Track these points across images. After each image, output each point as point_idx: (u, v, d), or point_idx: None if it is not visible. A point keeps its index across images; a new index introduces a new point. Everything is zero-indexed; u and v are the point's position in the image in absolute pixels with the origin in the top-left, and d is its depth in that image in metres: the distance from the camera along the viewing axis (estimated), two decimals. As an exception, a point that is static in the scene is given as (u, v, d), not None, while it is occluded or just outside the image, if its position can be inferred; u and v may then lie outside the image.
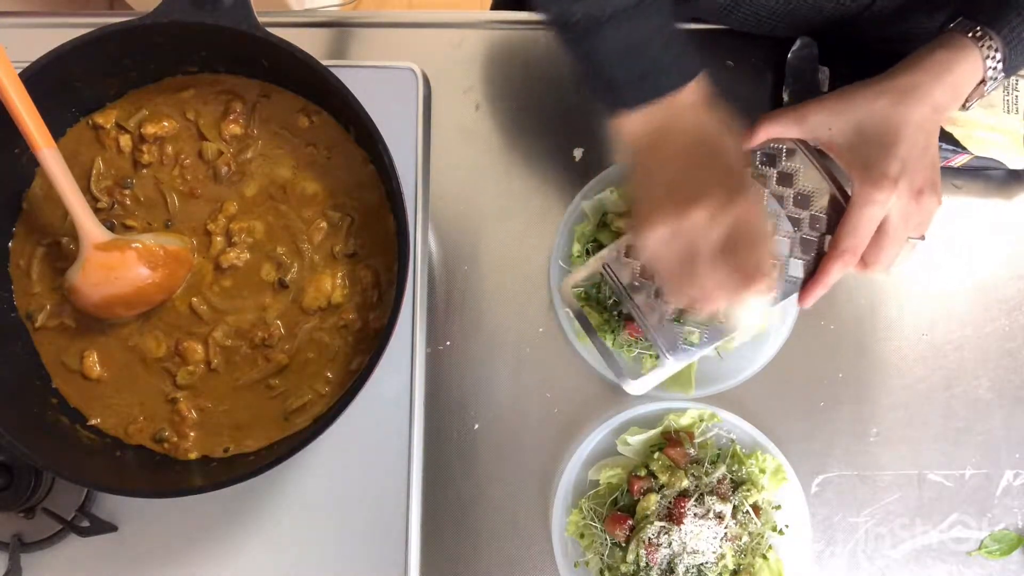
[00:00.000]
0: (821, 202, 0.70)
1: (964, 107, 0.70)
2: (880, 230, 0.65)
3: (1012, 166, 0.83)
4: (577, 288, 0.80)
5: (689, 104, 0.61)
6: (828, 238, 0.69)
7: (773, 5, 0.78)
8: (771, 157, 0.71)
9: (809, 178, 0.70)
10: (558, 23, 0.62)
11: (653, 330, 0.71)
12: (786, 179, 0.71)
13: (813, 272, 0.69)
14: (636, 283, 0.71)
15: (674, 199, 0.60)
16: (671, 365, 0.72)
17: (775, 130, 0.69)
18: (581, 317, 0.75)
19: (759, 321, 0.70)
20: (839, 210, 0.68)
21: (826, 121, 0.67)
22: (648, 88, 0.61)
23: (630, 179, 0.64)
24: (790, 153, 0.71)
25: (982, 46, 0.65)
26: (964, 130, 0.80)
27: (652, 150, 0.62)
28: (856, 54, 0.77)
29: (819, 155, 0.71)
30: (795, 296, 0.70)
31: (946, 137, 0.80)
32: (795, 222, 0.70)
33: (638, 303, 0.71)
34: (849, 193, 0.66)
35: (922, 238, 0.67)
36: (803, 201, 0.70)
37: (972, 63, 0.65)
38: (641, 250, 0.64)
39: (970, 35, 0.65)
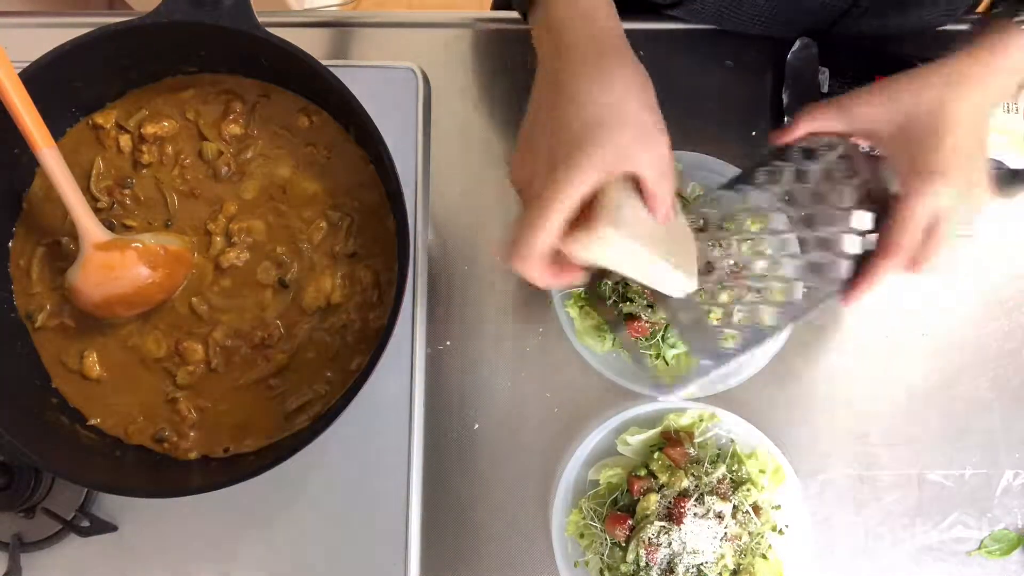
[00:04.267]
0: (865, 198, 0.65)
1: (1016, 96, 0.67)
2: (930, 227, 0.61)
3: (1013, 165, 0.83)
4: (576, 289, 0.80)
5: (565, 19, 0.56)
6: (872, 237, 0.64)
7: (765, 7, 0.78)
8: (811, 152, 0.67)
9: (852, 174, 0.66)
10: None
11: (686, 332, 0.67)
12: (827, 175, 0.67)
13: (858, 272, 0.64)
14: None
15: (524, 142, 0.57)
16: (706, 368, 0.68)
17: (816, 124, 0.65)
18: (615, 322, 0.74)
19: (677, 293, 0.67)
20: (884, 207, 0.64)
21: (872, 113, 0.63)
22: None
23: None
24: (832, 147, 0.67)
25: None
26: (965, 131, 0.80)
27: (541, 67, 0.58)
28: (856, 54, 0.77)
29: (863, 150, 0.67)
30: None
31: (947, 137, 0.80)
32: (837, 219, 0.66)
33: (670, 302, 0.68)
34: (895, 190, 0.62)
35: (971, 235, 0.64)
36: (845, 198, 0.66)
37: (1021, 49, 0.62)
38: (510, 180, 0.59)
39: (1016, 20, 0.62)
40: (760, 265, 0.68)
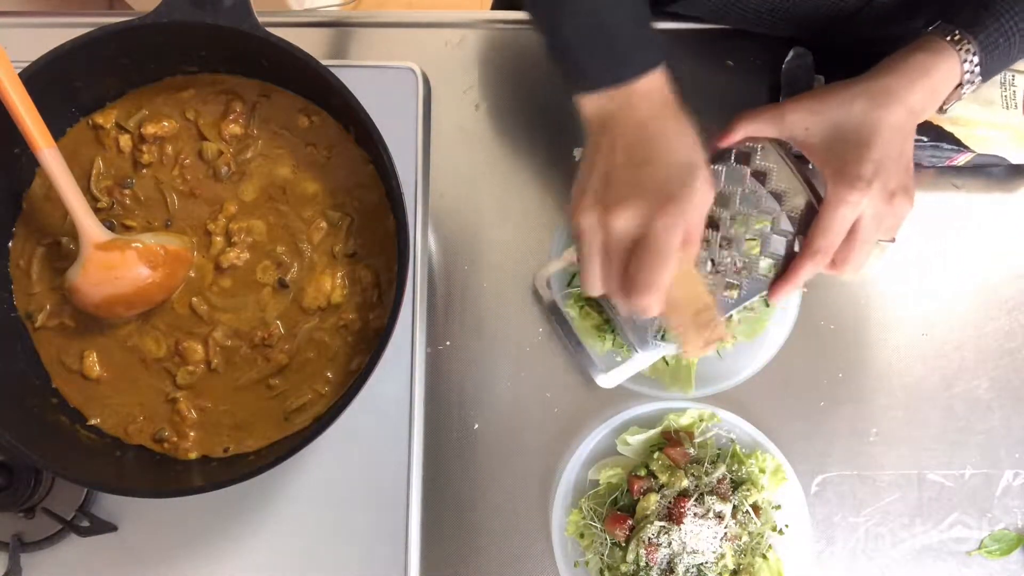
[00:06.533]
0: (794, 202, 0.71)
1: (942, 110, 0.71)
2: (852, 231, 0.65)
3: (1014, 160, 0.83)
4: (576, 289, 0.80)
5: (644, 95, 0.60)
6: (800, 238, 0.69)
7: (772, 2, 0.78)
8: (746, 155, 0.72)
9: (783, 177, 0.71)
10: None
11: (623, 323, 0.72)
12: (760, 177, 0.71)
13: (783, 271, 0.69)
14: None
15: (605, 191, 0.60)
16: (640, 358, 0.73)
17: (752, 128, 0.69)
18: (555, 310, 0.76)
19: None
20: (811, 210, 0.69)
21: (803, 121, 0.67)
22: (607, 74, 0.60)
23: (583, 158, 0.63)
24: (765, 152, 0.71)
25: (959, 50, 0.66)
26: (966, 129, 0.80)
27: (602, 135, 0.61)
28: (851, 62, 0.77)
29: (794, 155, 0.71)
30: (796, 297, 0.70)
31: (947, 137, 0.80)
32: (763, 220, 0.70)
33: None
34: (822, 194, 0.67)
35: (892, 240, 0.68)
36: (776, 200, 0.71)
37: (950, 66, 0.66)
38: (576, 229, 0.62)
39: (948, 39, 0.66)
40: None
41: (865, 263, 0.67)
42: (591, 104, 0.61)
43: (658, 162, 0.59)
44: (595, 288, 0.62)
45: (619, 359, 0.80)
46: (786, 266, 0.69)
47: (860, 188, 0.63)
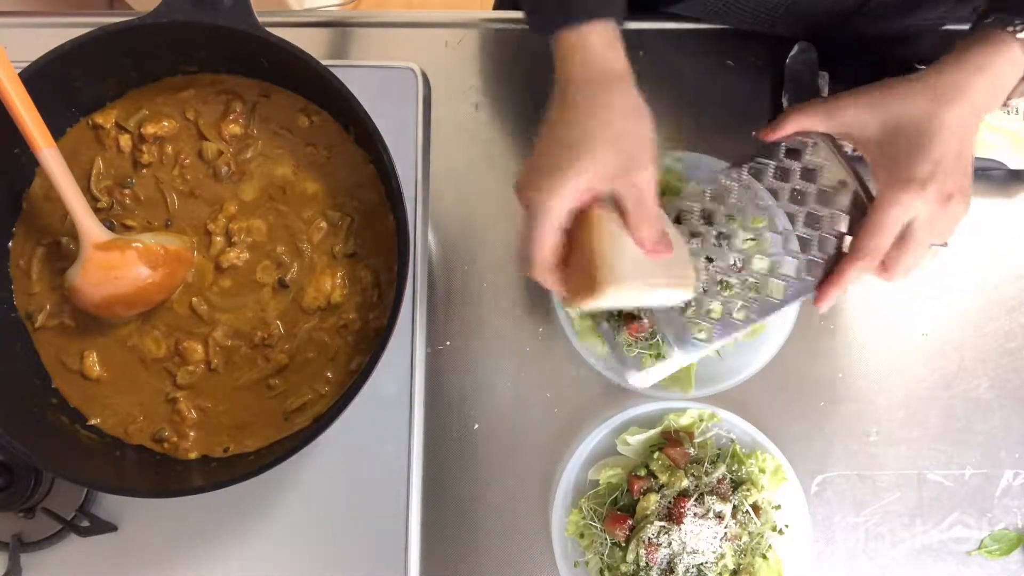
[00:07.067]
0: (844, 200, 0.67)
1: (1006, 105, 0.67)
2: (903, 234, 0.62)
3: (1013, 166, 0.83)
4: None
5: (588, 47, 0.60)
6: (849, 239, 0.66)
7: (770, 1, 0.78)
8: (796, 151, 0.69)
9: (834, 175, 0.67)
10: None
11: (663, 323, 0.69)
12: (809, 174, 0.68)
13: (831, 273, 0.66)
14: None
15: (539, 156, 0.60)
16: (678, 358, 0.70)
17: (804, 122, 0.66)
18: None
19: (677, 303, 0.69)
20: (862, 210, 0.65)
21: (859, 116, 0.64)
22: (555, 12, 0.60)
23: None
24: (815, 148, 0.68)
25: (1022, 40, 0.62)
26: (967, 133, 0.80)
27: (561, 91, 0.61)
28: (856, 57, 0.77)
29: (846, 152, 0.68)
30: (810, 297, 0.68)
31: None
32: (816, 220, 0.67)
33: None
34: (874, 194, 0.63)
35: (945, 245, 0.64)
36: (826, 199, 0.68)
37: (1012, 59, 0.62)
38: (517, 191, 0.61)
39: (1008, 30, 0.62)
40: (735, 260, 0.69)
41: (915, 267, 0.63)
42: (555, 51, 0.61)
43: (569, 126, 0.59)
44: (523, 263, 0.61)
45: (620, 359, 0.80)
46: (833, 267, 0.66)
47: (914, 190, 0.60)
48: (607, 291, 0.58)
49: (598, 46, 0.60)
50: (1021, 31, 0.62)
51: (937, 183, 0.60)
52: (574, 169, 0.57)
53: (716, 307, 0.69)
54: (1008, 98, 0.65)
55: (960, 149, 0.61)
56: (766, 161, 0.69)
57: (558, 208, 0.57)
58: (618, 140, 0.58)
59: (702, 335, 0.68)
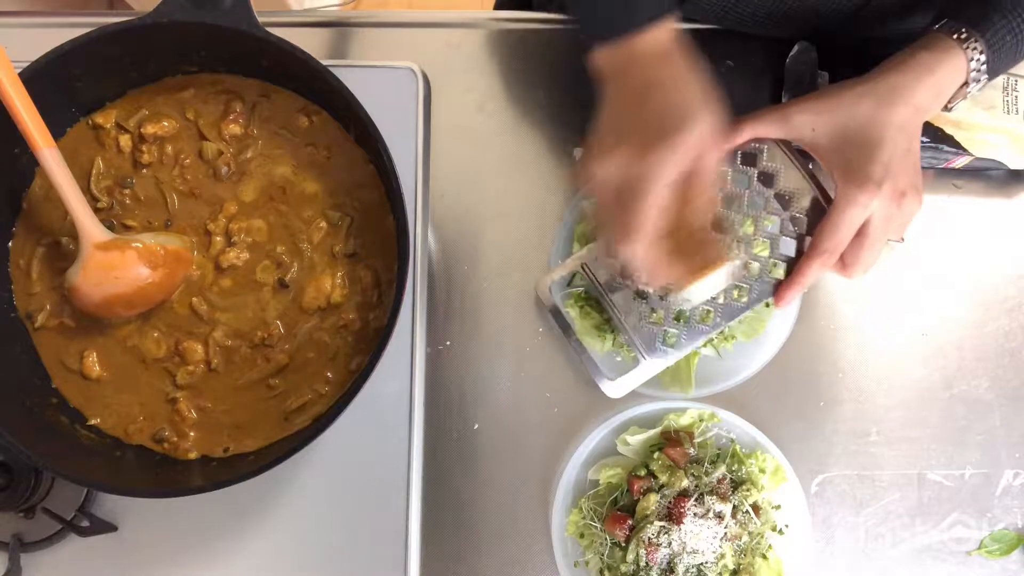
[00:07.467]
0: (801, 203, 0.70)
1: (947, 108, 0.70)
2: (861, 232, 0.65)
3: (1012, 166, 0.83)
4: (576, 289, 0.80)
5: (652, 45, 0.60)
6: (807, 239, 0.69)
7: (770, 5, 0.78)
8: (752, 157, 0.71)
9: (790, 179, 0.71)
10: None
11: (631, 330, 0.72)
12: (767, 179, 0.71)
13: (791, 272, 0.69)
14: (614, 283, 0.72)
15: (604, 141, 0.60)
16: (648, 365, 0.73)
17: (758, 129, 0.69)
18: (558, 315, 0.77)
19: (707, 295, 0.70)
20: (819, 211, 0.68)
21: (809, 121, 0.67)
22: (617, 23, 0.60)
23: (597, 116, 0.63)
24: (771, 153, 0.71)
25: (966, 48, 0.65)
26: (967, 133, 0.80)
27: (611, 86, 0.62)
28: (856, 58, 0.77)
29: (801, 156, 0.71)
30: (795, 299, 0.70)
31: (948, 140, 0.80)
32: (775, 222, 0.70)
33: (616, 302, 0.72)
34: (830, 195, 0.66)
35: (901, 240, 0.68)
36: (783, 201, 0.70)
37: (956, 65, 0.65)
38: (585, 182, 0.62)
39: (955, 37, 0.65)
40: None
41: (874, 264, 0.67)
42: (603, 58, 0.62)
43: (656, 107, 0.59)
44: (610, 246, 0.61)
45: (619, 359, 0.80)
46: (792, 268, 0.69)
47: (870, 189, 0.63)
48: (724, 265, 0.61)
49: (663, 34, 0.61)
50: (966, 38, 0.65)
51: (890, 181, 0.63)
52: (686, 130, 0.57)
53: (683, 313, 0.72)
54: (948, 102, 0.69)
55: (908, 146, 0.64)
56: (723, 169, 0.71)
57: (668, 175, 0.57)
58: (710, 113, 0.59)
59: (671, 340, 0.72)
